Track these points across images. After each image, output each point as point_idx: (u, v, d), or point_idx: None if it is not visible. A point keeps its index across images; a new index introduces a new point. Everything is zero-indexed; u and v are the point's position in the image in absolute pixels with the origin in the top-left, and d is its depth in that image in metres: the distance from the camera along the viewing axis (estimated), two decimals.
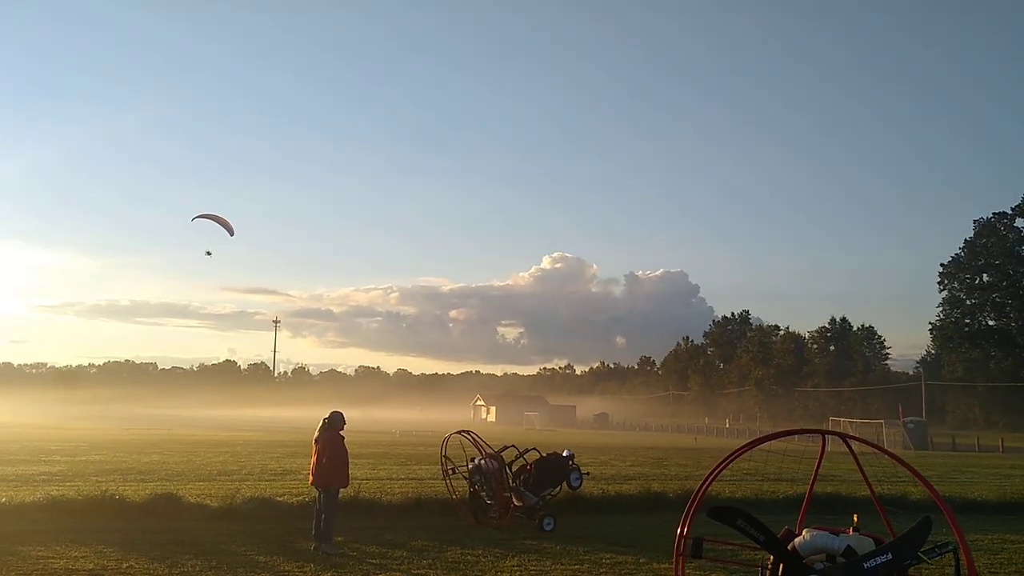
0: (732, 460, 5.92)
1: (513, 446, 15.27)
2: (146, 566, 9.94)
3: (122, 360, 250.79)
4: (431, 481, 20.21)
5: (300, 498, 15.11)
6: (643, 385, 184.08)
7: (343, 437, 12.21)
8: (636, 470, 26.62)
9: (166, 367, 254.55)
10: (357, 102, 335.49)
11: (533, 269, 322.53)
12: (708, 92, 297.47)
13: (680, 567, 5.51)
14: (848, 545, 5.14)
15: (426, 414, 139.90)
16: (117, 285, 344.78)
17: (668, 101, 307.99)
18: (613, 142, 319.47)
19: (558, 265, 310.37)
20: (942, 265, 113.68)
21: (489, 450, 14.48)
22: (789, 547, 5.25)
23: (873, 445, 5.75)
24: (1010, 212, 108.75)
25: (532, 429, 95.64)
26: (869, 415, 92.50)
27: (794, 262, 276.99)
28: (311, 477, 12.17)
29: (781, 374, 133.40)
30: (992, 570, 11.21)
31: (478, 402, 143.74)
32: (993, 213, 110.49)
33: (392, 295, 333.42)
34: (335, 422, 12.15)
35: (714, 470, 5.79)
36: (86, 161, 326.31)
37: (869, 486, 6.08)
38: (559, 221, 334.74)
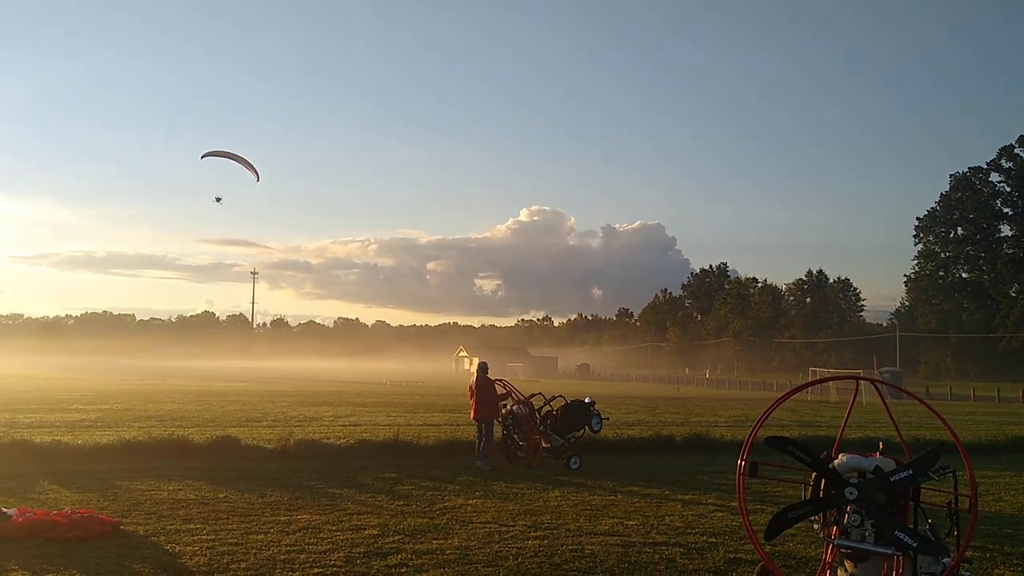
0: (778, 405, 7.26)
1: (540, 394, 16.72)
2: (240, 496, 11.30)
3: (99, 311, 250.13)
4: (448, 427, 21.54)
5: (344, 440, 16.52)
6: (621, 336, 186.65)
7: (491, 381, 15.59)
8: (634, 417, 28.24)
9: (144, 318, 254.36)
10: (339, 57, 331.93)
11: (511, 222, 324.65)
12: (688, 45, 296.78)
13: (742, 483, 6.91)
14: (877, 465, 6.53)
15: (409, 365, 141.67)
16: (93, 236, 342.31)
17: (641, 58, 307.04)
18: (592, 95, 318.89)
19: (536, 218, 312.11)
20: (918, 219, 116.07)
21: (520, 397, 15.90)
22: (830, 467, 6.65)
23: (908, 392, 7.07)
24: (985, 167, 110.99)
25: (516, 379, 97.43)
26: (844, 365, 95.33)
27: (771, 215, 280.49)
28: (471, 413, 15.47)
29: (758, 326, 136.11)
30: None
31: (461, 353, 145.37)
32: (969, 168, 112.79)
33: (370, 247, 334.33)
34: (485, 369, 15.75)
35: (765, 414, 7.11)
36: (64, 112, 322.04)
37: (893, 420, 7.45)
38: (537, 174, 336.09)
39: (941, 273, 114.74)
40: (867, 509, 6.35)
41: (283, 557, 8.07)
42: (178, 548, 8.36)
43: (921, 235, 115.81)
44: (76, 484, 12.04)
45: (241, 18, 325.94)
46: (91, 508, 9.91)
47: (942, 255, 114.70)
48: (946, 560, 6.57)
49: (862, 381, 7.56)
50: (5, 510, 9.09)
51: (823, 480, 6.62)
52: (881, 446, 6.99)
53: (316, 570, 7.65)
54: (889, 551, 6.28)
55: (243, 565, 7.73)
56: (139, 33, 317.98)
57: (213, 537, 8.83)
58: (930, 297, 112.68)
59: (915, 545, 6.18)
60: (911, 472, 6.40)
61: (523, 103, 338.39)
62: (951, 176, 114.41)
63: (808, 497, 6.76)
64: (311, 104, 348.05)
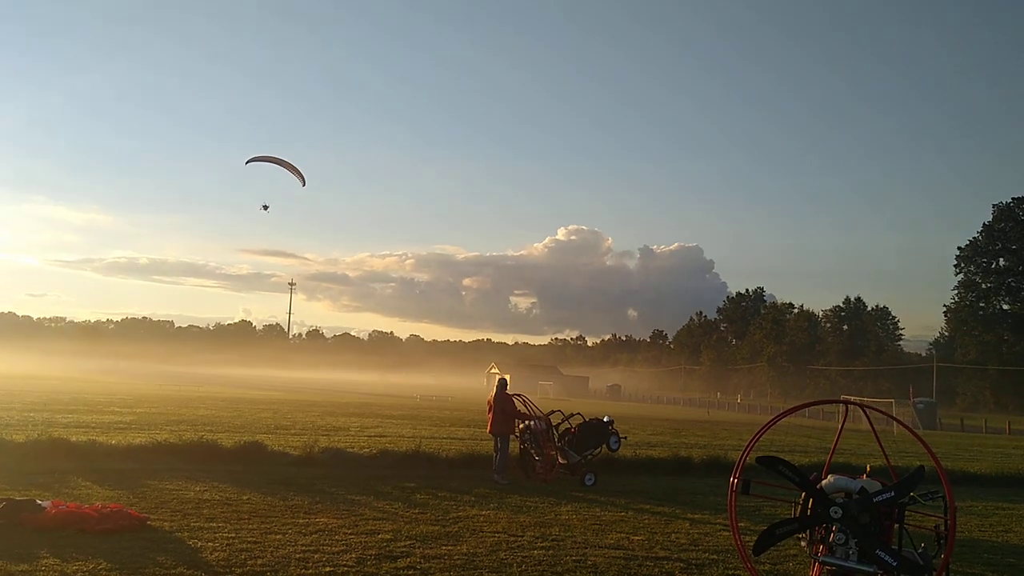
0: (771, 425, 7.57)
1: (559, 411, 17.04)
2: (262, 499, 11.77)
3: (139, 317, 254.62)
4: (470, 441, 21.92)
5: (367, 450, 16.96)
6: (655, 358, 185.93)
7: (510, 396, 15.91)
8: (657, 438, 28.36)
9: (183, 325, 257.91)
10: (382, 72, 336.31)
11: (547, 240, 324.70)
12: (725, 71, 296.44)
13: (733, 500, 7.22)
14: (862, 486, 6.82)
15: (441, 380, 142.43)
16: (136, 243, 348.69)
17: (685, 79, 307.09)
18: (631, 117, 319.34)
19: (573, 237, 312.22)
20: (959, 248, 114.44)
21: (539, 413, 16.23)
22: (817, 487, 6.93)
23: (884, 412, 7.33)
24: None
25: (546, 398, 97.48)
26: (880, 394, 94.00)
27: (810, 241, 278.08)
28: (488, 427, 15.92)
29: (794, 351, 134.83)
30: (983, 530, 12.88)
31: (493, 370, 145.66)
32: (1012, 198, 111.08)
33: (407, 261, 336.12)
34: (504, 385, 16.16)
35: (758, 433, 7.44)
36: (111, 118, 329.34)
37: (880, 443, 7.70)
38: (575, 193, 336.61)
39: (982, 304, 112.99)
40: (851, 528, 6.62)
41: (298, 556, 8.48)
42: (199, 544, 8.82)
43: (962, 265, 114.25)
44: (108, 481, 12.59)
45: (289, 41, 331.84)
46: (121, 504, 10.42)
47: (983, 286, 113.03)
48: None
49: (854, 406, 7.82)
50: (40, 502, 9.64)
51: (810, 499, 6.91)
52: (869, 468, 7.25)
53: (328, 569, 8.06)
54: (871, 569, 6.55)
55: (259, 562, 8.16)
56: (189, 47, 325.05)
57: (234, 535, 9.28)
58: (970, 328, 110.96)
59: (896, 565, 6.44)
60: (894, 493, 6.67)
61: (564, 122, 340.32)
62: (994, 206, 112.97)
63: (796, 515, 7.05)
64: (353, 118, 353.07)
